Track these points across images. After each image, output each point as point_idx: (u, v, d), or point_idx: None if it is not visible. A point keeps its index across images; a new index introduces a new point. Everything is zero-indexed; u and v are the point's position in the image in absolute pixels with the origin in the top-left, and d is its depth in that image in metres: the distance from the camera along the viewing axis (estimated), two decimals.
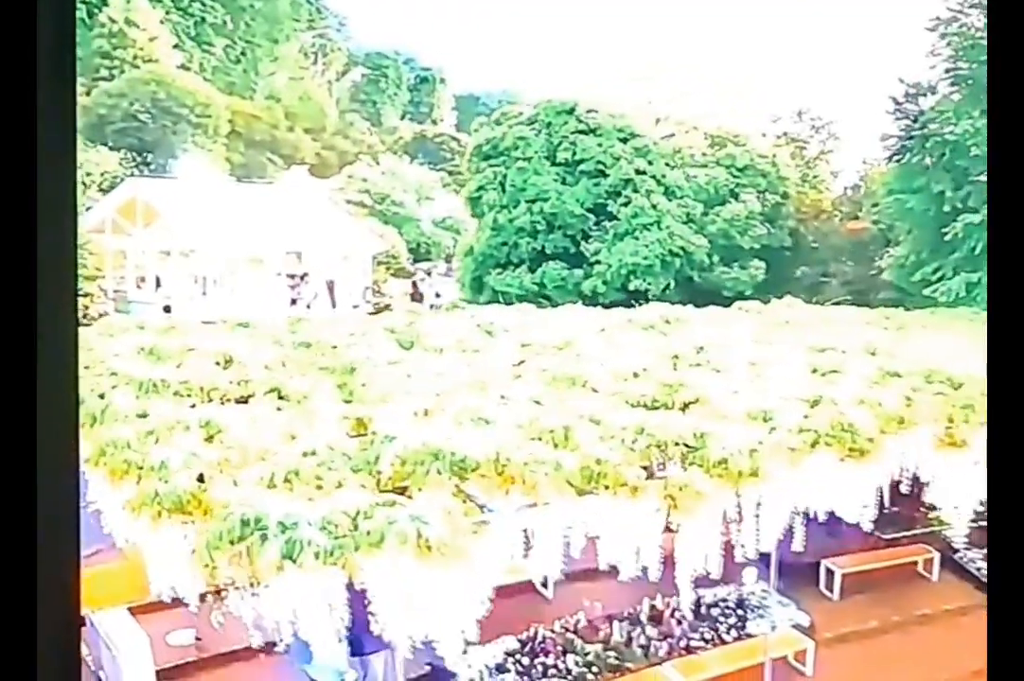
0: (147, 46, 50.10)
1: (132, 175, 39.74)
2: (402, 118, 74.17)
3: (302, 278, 34.39)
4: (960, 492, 12.36)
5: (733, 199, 25.62)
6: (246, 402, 9.52)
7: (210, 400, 9.45)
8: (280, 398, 9.65)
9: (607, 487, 8.32)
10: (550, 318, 16.20)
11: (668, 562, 10.03)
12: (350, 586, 7.99)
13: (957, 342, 15.60)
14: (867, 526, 13.98)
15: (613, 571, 9.74)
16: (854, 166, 25.61)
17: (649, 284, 23.43)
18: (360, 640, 9.17)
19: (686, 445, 8.93)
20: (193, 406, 9.11)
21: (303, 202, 36.43)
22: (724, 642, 12.33)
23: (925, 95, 22.98)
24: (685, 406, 10.04)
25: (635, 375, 11.15)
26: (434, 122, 71.19)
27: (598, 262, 24.36)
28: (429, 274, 41.69)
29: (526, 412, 9.11)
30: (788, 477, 9.45)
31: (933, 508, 16.25)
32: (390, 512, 6.96)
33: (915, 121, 22.40)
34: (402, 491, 7.65)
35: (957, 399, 11.52)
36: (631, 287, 23.36)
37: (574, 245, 25.34)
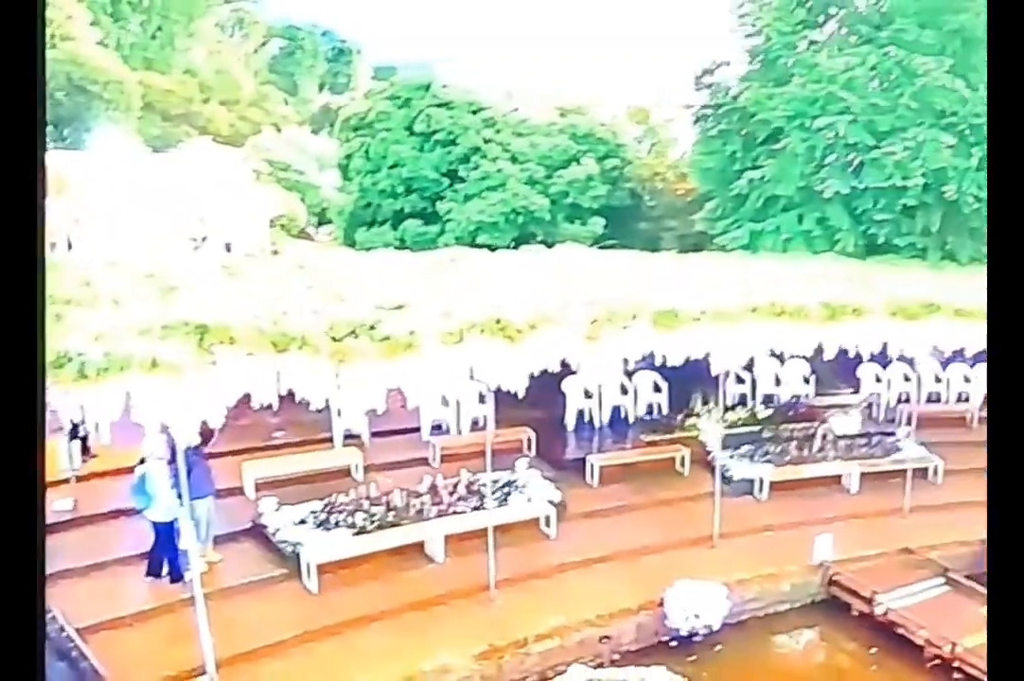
0: (64, 24, 51.30)
1: (47, 149, 41.83)
2: (320, 90, 75.73)
3: (203, 240, 37.16)
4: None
5: (575, 163, 28.37)
6: None
7: None
8: None
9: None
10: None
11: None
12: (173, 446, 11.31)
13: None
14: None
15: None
16: (690, 133, 28.41)
17: (495, 238, 26.28)
18: (188, 487, 11.90)
19: None
20: None
21: (206, 170, 39.25)
22: (486, 509, 15.32)
23: (721, 68, 26.04)
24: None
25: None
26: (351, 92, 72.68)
27: (450, 220, 27.38)
28: (330, 235, 44.53)
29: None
30: None
31: (693, 415, 19.87)
32: None
33: (711, 91, 25.56)
34: None
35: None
36: (479, 241, 26.10)
37: (430, 205, 28.54)
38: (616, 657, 13.81)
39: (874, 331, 16.51)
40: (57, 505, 15.53)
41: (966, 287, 18.13)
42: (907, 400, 23.39)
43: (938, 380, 24.85)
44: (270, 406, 12.09)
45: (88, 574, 14.21)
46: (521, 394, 13.45)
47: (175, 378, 10.04)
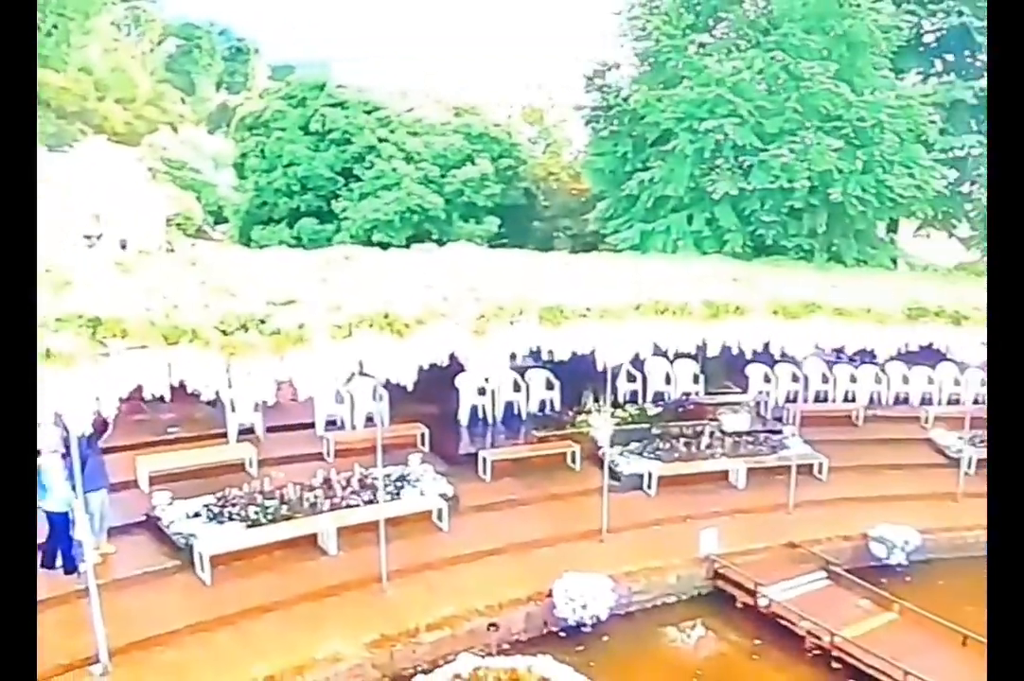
0: None
1: None
2: (217, 89, 75.17)
3: (98, 238, 36.80)
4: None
5: (470, 163, 28.58)
6: None
7: None
8: None
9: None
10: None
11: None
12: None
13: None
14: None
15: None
16: (584, 134, 28.79)
17: (390, 237, 26.37)
18: (82, 479, 12.09)
19: None
20: None
21: (101, 168, 38.91)
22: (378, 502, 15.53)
23: (611, 70, 26.49)
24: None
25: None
26: (248, 92, 72.30)
27: (346, 218, 27.41)
28: (227, 234, 44.37)
29: None
30: None
31: (585, 412, 20.22)
32: None
33: (602, 93, 25.97)
34: None
35: None
36: (374, 240, 26.14)
37: (325, 204, 28.49)
38: (506, 647, 14.13)
39: (756, 330, 16.96)
40: None
41: (847, 287, 18.83)
42: (795, 399, 24.04)
43: (825, 380, 25.57)
44: (164, 399, 12.20)
45: None
46: (410, 387, 13.64)
47: (68, 369, 10.15)
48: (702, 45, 25.19)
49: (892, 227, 30.67)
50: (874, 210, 23.15)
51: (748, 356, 18.70)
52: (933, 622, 14.77)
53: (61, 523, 13.65)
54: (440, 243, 24.03)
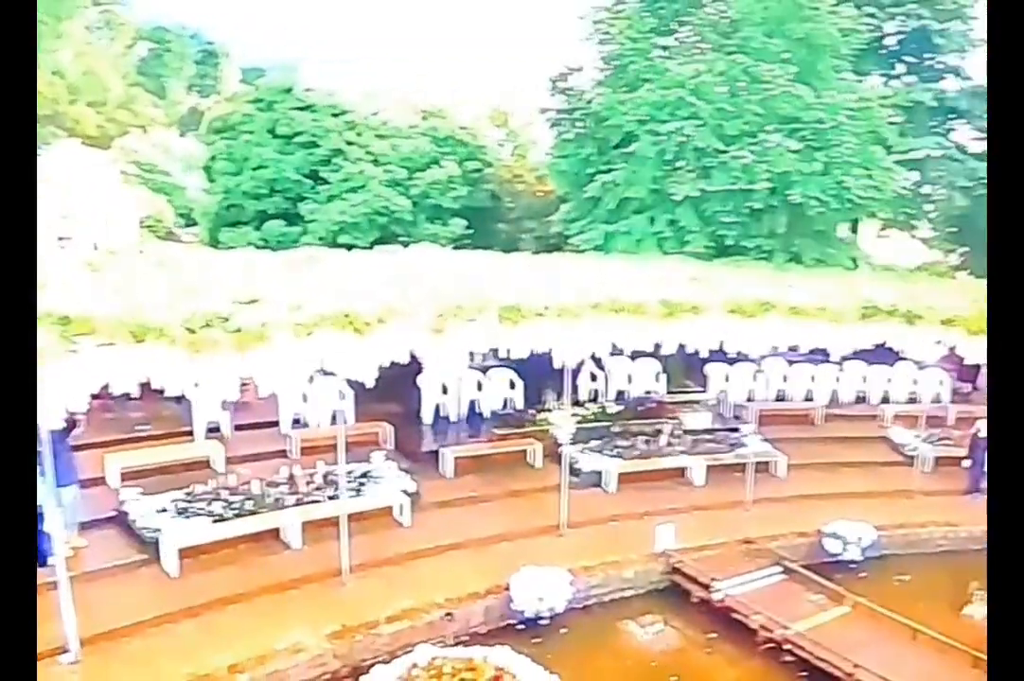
0: None
1: None
2: (188, 92, 75.28)
3: (70, 239, 37.08)
4: None
5: (436, 165, 28.93)
6: None
7: None
8: None
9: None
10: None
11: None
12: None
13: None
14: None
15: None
16: (550, 136, 29.10)
17: (356, 239, 26.62)
18: (56, 474, 12.47)
19: None
20: None
21: (73, 171, 39.16)
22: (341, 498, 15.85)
23: (575, 73, 26.78)
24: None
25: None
26: (219, 95, 72.39)
27: (313, 220, 27.70)
28: (197, 236, 44.65)
29: None
30: None
31: (546, 411, 20.57)
32: None
33: (566, 96, 26.28)
34: None
35: None
36: (341, 241, 26.37)
37: (293, 206, 28.76)
38: (465, 638, 14.47)
39: (712, 328, 17.31)
40: None
41: (804, 287, 19.22)
42: (754, 398, 24.48)
43: (785, 379, 25.96)
44: (133, 397, 12.53)
45: None
46: (372, 385, 13.92)
47: (38, 365, 10.45)
48: (665, 48, 25.58)
49: (853, 228, 31.18)
50: (833, 211, 23.47)
51: (705, 355, 19.01)
52: (884, 617, 15.08)
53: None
54: (406, 245, 24.32)
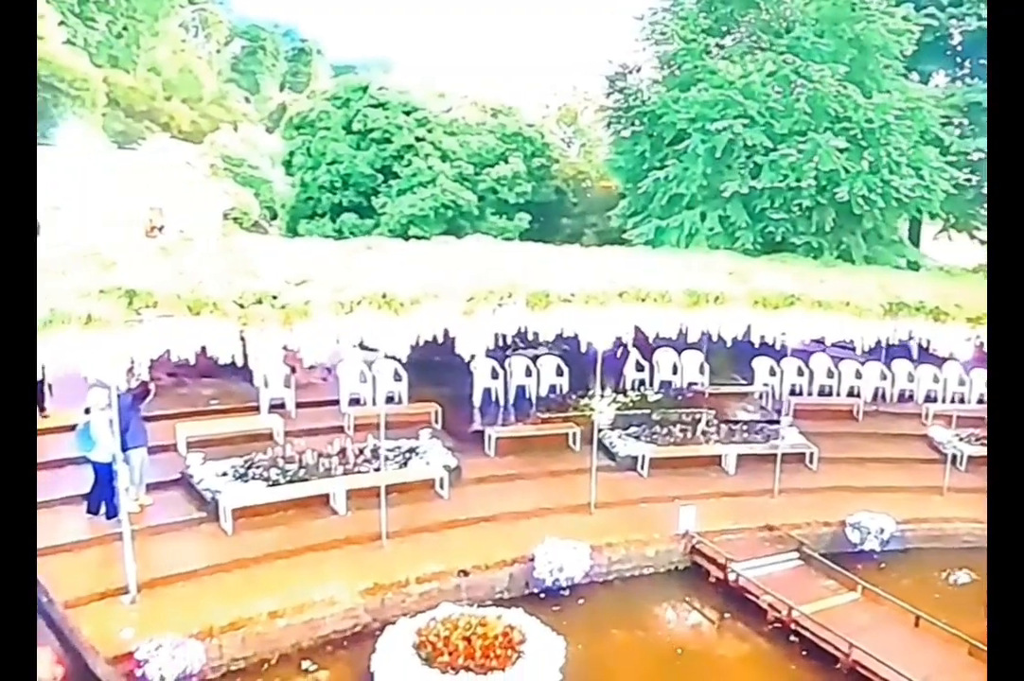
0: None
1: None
2: (281, 89, 76.85)
3: (160, 230, 38.71)
4: None
5: (503, 162, 29.96)
6: None
7: None
8: None
9: None
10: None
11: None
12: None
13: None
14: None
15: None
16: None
17: (425, 231, 27.68)
18: (124, 437, 14.27)
19: None
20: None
21: (164, 164, 40.92)
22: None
23: (631, 73, 27.72)
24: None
25: None
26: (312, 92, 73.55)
27: (384, 213, 28.85)
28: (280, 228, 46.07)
29: None
30: None
31: (587, 397, 21.55)
32: None
33: (623, 94, 27.13)
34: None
35: None
36: (410, 233, 27.38)
37: (365, 200, 29.99)
38: (489, 603, 15.39)
39: (736, 319, 18.05)
40: None
41: (836, 282, 19.89)
42: (799, 393, 25.21)
43: (831, 375, 26.59)
44: (206, 375, 13.77)
45: (39, 510, 15.99)
46: (404, 359, 15.18)
47: (107, 332, 12.02)
48: (720, 47, 26.46)
49: (915, 229, 31.69)
50: (880, 210, 23.94)
51: (755, 347, 20.14)
52: (892, 604, 15.73)
53: (105, 473, 15.37)
54: (459, 237, 25.30)
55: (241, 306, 13.33)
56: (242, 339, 13.40)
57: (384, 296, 14.24)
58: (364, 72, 46.59)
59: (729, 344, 19.69)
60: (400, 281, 15.07)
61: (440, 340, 15.46)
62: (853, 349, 21.94)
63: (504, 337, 17.53)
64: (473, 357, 16.38)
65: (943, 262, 31.12)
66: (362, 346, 15.33)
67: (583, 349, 17.51)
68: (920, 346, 21.91)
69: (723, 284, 18.29)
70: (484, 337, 15.64)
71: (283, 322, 13.51)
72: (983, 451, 22.06)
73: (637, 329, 17.61)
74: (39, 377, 13.33)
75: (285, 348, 14.02)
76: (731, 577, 16.93)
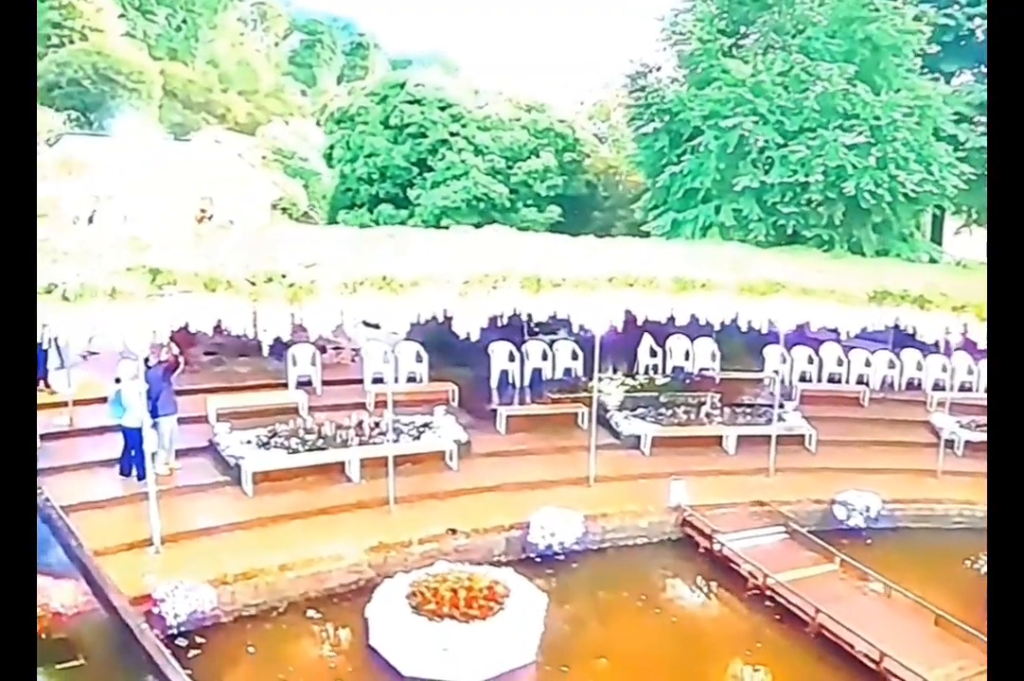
0: (94, 16, 55.22)
1: (73, 133, 45.10)
2: (339, 82, 78.11)
3: (210, 219, 40.18)
4: None
5: (534, 156, 31.24)
6: None
7: None
8: None
9: None
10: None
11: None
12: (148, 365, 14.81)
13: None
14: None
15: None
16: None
17: (457, 222, 28.88)
18: (155, 406, 16.34)
19: None
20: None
21: (215, 155, 42.51)
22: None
23: (652, 71, 28.93)
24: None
25: None
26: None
27: (419, 205, 30.28)
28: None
29: None
30: None
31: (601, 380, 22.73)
32: None
33: (644, 92, 28.22)
34: None
35: None
36: (443, 224, 28.76)
37: (401, 191, 31.49)
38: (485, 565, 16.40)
39: (721, 305, 19.21)
40: (57, 421, 19.40)
41: (827, 271, 20.86)
42: (808, 379, 26.17)
43: (840, 363, 27.47)
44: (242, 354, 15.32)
45: (76, 471, 17.87)
46: (403, 335, 16.60)
47: (132, 305, 13.67)
48: (738, 46, 27.58)
49: (937, 223, 32.41)
50: (888, 204, 24.61)
51: (764, 335, 21.20)
52: (868, 576, 16.63)
53: (135, 437, 16.52)
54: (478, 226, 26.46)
55: (252, 284, 14.71)
56: (253, 314, 14.73)
57: (384, 278, 15.55)
58: (420, 67, 47.74)
59: (744, 331, 20.80)
60: (404, 265, 16.38)
61: (440, 319, 16.76)
62: (866, 338, 22.57)
63: (525, 322, 19.01)
64: (491, 342, 17.44)
65: (962, 257, 31.54)
66: (366, 323, 16.78)
67: (586, 331, 18.96)
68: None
69: (720, 273, 19.34)
70: (479, 317, 16.89)
71: (290, 299, 14.93)
72: (982, 437, 22.56)
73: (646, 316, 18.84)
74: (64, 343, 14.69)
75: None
76: (716, 547, 17.95)
